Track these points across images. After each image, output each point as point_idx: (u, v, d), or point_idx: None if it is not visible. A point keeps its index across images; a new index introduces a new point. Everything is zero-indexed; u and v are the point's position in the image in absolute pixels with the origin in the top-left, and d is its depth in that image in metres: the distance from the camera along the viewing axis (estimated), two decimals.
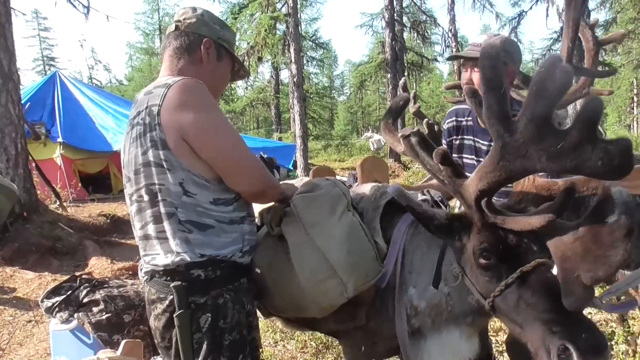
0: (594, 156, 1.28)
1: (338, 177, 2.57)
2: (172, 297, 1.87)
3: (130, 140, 1.99)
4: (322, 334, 4.34)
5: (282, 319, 2.57)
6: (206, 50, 2.12)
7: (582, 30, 3.31)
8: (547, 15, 17.41)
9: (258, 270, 2.23)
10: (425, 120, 4.15)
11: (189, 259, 1.87)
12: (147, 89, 2.00)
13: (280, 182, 2.34)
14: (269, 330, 4.73)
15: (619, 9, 22.67)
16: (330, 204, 2.15)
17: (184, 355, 1.88)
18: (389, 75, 24.42)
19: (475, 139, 2.91)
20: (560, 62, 1.34)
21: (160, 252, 1.92)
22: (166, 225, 1.91)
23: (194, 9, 2.16)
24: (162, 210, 1.91)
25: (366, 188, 2.40)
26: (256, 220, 2.42)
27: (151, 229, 1.95)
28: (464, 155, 2.97)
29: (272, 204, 2.29)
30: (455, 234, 1.87)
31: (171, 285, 1.86)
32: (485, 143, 2.83)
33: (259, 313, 2.45)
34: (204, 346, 1.88)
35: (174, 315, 1.86)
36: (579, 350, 1.47)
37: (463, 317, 1.95)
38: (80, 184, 13.27)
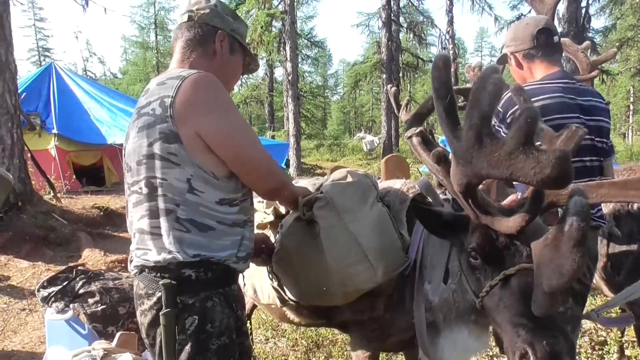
0: (526, 165, 1.31)
1: None
2: (160, 294, 1.80)
3: (136, 130, 1.90)
4: (313, 333, 4.40)
5: (294, 308, 2.58)
6: (220, 43, 2.06)
7: (575, 53, 3.45)
8: None
9: (285, 253, 2.30)
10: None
11: (181, 258, 1.80)
12: (159, 80, 1.92)
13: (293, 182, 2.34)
14: (260, 327, 4.77)
15: (619, 15, 22.71)
16: (362, 193, 2.25)
17: (166, 355, 1.82)
18: (384, 76, 24.50)
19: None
20: (494, 74, 1.39)
21: (152, 248, 1.85)
22: (162, 221, 1.83)
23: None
24: (161, 205, 1.83)
25: (392, 183, 2.49)
26: (282, 209, 2.48)
27: (145, 223, 1.87)
28: None
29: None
30: (457, 232, 1.92)
31: (160, 283, 1.80)
32: None
33: (275, 299, 2.49)
34: (187, 348, 1.81)
35: (160, 313, 1.79)
36: (536, 355, 1.51)
37: (468, 315, 1.99)
38: (74, 176, 13.26)
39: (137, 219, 1.93)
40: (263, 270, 2.48)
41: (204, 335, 1.83)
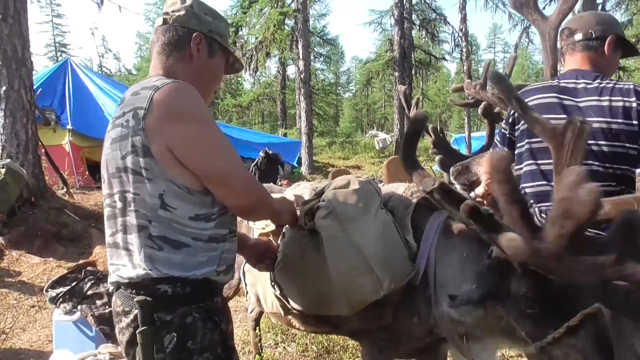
0: (638, 270, 1.18)
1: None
2: (136, 311, 1.72)
3: (109, 141, 1.83)
4: (324, 339, 4.33)
5: (300, 317, 2.53)
6: (196, 46, 1.93)
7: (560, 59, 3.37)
8: None
9: (287, 262, 2.24)
10: (431, 126, 4.16)
11: (155, 275, 1.72)
12: (134, 89, 1.83)
13: (272, 195, 2.20)
14: (270, 332, 4.69)
15: (635, 11, 22.31)
16: (365, 200, 2.17)
17: None
18: (396, 74, 24.42)
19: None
20: (584, 181, 1.21)
21: (126, 264, 1.78)
22: (134, 237, 1.75)
23: (183, 0, 1.96)
24: (133, 221, 1.75)
25: (395, 187, 2.41)
26: None
27: (120, 238, 1.80)
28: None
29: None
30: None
31: (135, 300, 1.71)
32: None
33: (279, 307, 2.43)
34: None
35: (137, 331, 1.70)
36: None
37: (499, 335, 1.89)
38: (87, 172, 13.31)
39: (110, 234, 1.86)
40: (266, 278, 2.42)
41: (184, 353, 1.75)
